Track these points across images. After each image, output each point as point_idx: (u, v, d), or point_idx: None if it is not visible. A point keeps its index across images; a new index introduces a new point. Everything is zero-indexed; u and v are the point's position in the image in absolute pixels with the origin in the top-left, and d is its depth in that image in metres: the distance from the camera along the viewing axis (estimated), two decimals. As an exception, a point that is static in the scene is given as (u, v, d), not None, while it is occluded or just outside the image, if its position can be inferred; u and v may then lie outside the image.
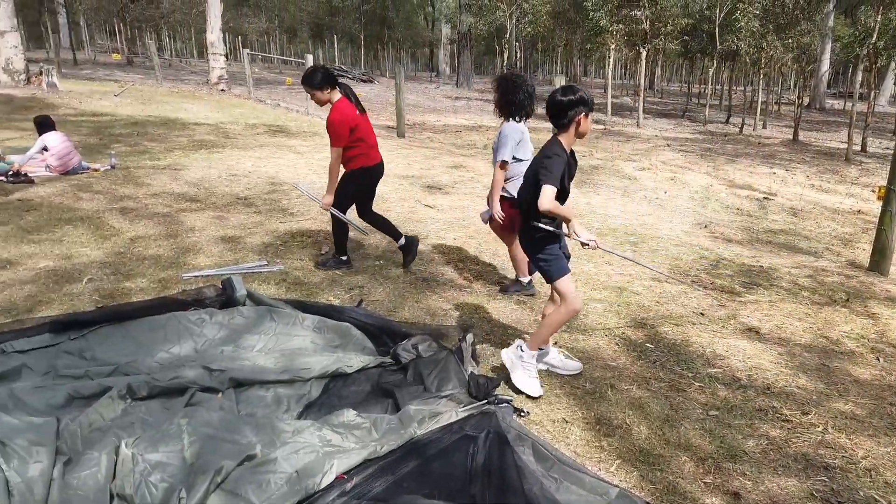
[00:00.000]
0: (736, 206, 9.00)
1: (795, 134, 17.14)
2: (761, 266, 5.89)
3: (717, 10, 20.81)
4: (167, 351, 3.41)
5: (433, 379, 3.16)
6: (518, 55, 36.60)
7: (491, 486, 2.42)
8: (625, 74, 47.78)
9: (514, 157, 4.38)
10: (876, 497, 2.62)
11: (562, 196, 3.18)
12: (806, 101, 25.90)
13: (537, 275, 4.55)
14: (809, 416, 3.22)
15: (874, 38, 14.85)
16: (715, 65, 24.05)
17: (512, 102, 4.35)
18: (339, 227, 4.95)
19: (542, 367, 3.55)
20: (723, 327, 4.33)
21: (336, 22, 43.51)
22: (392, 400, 3.04)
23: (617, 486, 2.53)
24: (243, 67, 20.84)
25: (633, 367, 3.68)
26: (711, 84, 26.09)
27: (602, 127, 18.43)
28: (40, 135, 7.55)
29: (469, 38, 32.44)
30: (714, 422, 3.12)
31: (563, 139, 3.19)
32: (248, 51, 20.69)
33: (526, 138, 4.43)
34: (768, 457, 2.86)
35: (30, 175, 7.28)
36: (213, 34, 19.67)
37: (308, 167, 9.05)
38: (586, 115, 3.15)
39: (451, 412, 2.87)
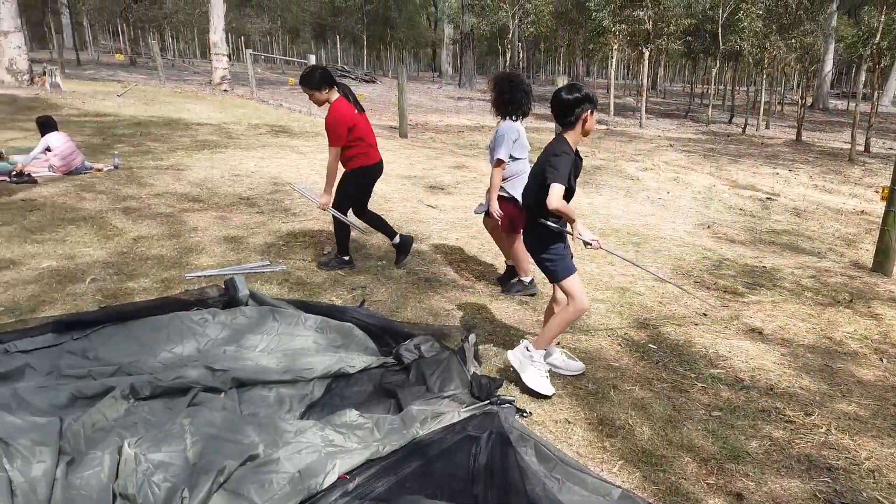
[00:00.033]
0: (739, 206, 8.98)
1: (798, 134, 17.11)
2: (764, 266, 5.87)
3: (720, 10, 20.77)
4: (170, 351, 3.42)
5: (435, 379, 3.16)
6: (520, 55, 36.58)
7: (493, 487, 2.41)
8: (627, 75, 47.73)
9: (511, 157, 4.38)
10: (879, 498, 2.61)
11: (567, 194, 3.18)
12: (809, 101, 25.85)
13: (539, 274, 4.55)
14: (812, 417, 3.21)
15: (878, 39, 14.82)
16: (718, 65, 24.01)
17: (509, 101, 4.36)
18: (341, 228, 4.96)
19: (526, 341, 3.55)
20: (726, 328, 4.33)
21: (339, 22, 43.53)
22: (394, 400, 3.04)
23: (619, 486, 2.53)
24: (246, 68, 20.85)
25: (636, 368, 3.67)
26: (714, 84, 26.04)
27: (605, 127, 18.42)
28: (43, 135, 7.57)
29: (472, 38, 32.43)
30: (717, 422, 3.12)
31: (570, 137, 3.19)
32: (250, 51, 20.71)
33: (522, 137, 4.44)
34: (771, 458, 2.86)
35: (33, 175, 7.29)
36: (216, 34, 19.70)
37: (311, 167, 9.05)
38: (591, 113, 3.17)
39: (453, 412, 2.87)
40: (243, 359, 3.37)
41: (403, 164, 9.83)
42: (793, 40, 18.42)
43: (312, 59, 14.83)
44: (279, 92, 21.68)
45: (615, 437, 2.97)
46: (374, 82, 31.40)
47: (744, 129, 19.61)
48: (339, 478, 2.41)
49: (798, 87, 29.41)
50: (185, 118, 13.30)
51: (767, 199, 9.41)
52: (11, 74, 15.88)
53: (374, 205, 7.10)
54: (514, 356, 3.34)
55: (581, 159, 3.29)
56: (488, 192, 4.58)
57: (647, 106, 21.31)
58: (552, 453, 2.65)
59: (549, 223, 3.22)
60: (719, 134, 18.60)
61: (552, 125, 14.42)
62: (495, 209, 4.48)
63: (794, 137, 17.34)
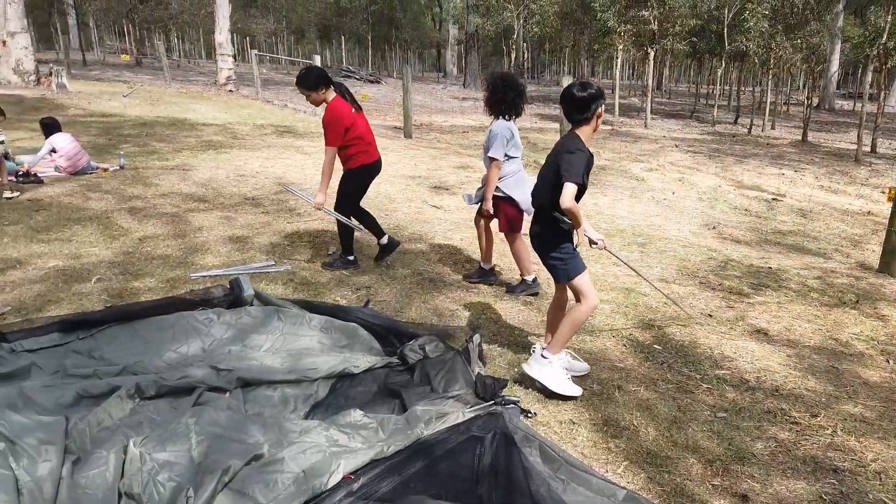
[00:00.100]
0: (744, 206, 8.95)
1: (804, 135, 17.06)
2: (770, 267, 5.86)
3: (726, 11, 20.73)
4: (175, 350, 3.43)
5: (440, 380, 3.16)
6: (525, 56, 36.58)
7: (498, 487, 2.41)
8: (632, 75, 47.66)
9: (506, 156, 4.40)
10: (885, 500, 2.60)
11: (580, 192, 3.17)
12: (815, 101, 25.76)
13: (541, 273, 4.55)
14: (818, 419, 3.20)
15: (884, 39, 14.76)
16: (723, 65, 23.97)
17: (502, 101, 4.37)
18: (345, 228, 4.96)
19: (537, 351, 3.54)
20: (731, 329, 4.31)
21: (343, 23, 43.55)
22: (399, 400, 3.05)
23: (624, 487, 2.52)
24: (251, 68, 20.92)
25: (641, 369, 3.67)
26: (720, 84, 25.99)
27: (610, 127, 18.39)
28: (47, 137, 7.60)
29: (476, 38, 32.43)
30: (722, 424, 3.11)
31: (583, 134, 3.19)
32: (255, 52, 20.76)
33: (516, 137, 4.46)
34: (777, 459, 2.85)
35: (39, 175, 7.32)
36: (222, 35, 19.74)
37: (315, 168, 9.06)
38: (602, 109, 3.19)
39: (457, 413, 2.87)
40: (248, 358, 3.37)
41: (408, 165, 9.84)
42: (799, 40, 18.36)
43: (317, 60, 14.86)
44: (284, 92, 21.71)
45: (620, 438, 2.96)
46: (378, 83, 31.43)
47: (749, 129, 19.55)
48: (343, 478, 2.41)
49: (804, 87, 29.32)
50: (191, 118, 13.34)
51: (773, 199, 9.38)
52: (18, 75, 15.95)
53: (378, 205, 7.13)
54: (532, 367, 3.28)
55: (592, 156, 3.28)
56: (482, 187, 4.59)
57: (652, 106, 21.27)
58: (557, 454, 2.65)
59: (564, 217, 3.20)
60: (725, 134, 18.55)
61: (556, 125, 14.41)
62: (489, 207, 4.50)
63: (799, 138, 17.28)
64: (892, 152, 15.40)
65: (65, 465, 2.37)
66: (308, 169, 8.95)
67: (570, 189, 3.01)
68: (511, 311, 4.43)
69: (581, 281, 3.24)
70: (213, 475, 2.30)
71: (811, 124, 18.25)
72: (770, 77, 20.89)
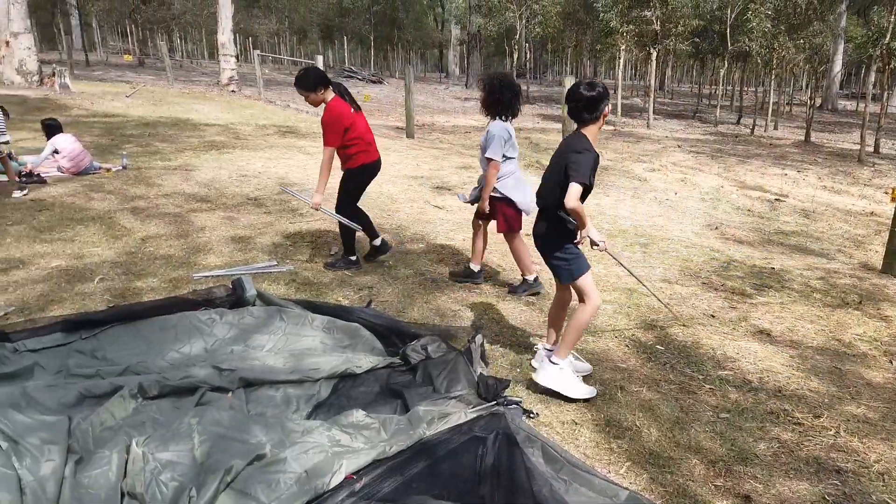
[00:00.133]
0: (747, 207, 8.94)
1: (807, 135, 17.03)
2: (772, 268, 5.85)
3: (729, 11, 20.70)
4: (178, 350, 3.43)
5: (442, 380, 3.16)
6: (528, 56, 36.55)
7: (500, 488, 2.41)
8: (635, 75, 47.61)
9: (503, 156, 4.40)
10: (889, 501, 2.59)
11: (585, 191, 3.16)
12: (818, 101, 25.72)
13: (543, 270, 4.55)
14: (821, 420, 3.19)
15: (887, 39, 14.73)
16: (726, 65, 23.94)
17: (499, 101, 4.38)
18: (347, 228, 4.96)
19: (545, 360, 3.54)
20: (734, 329, 4.31)
21: (346, 23, 43.58)
22: (401, 401, 3.05)
23: (627, 488, 2.52)
24: (254, 68, 20.94)
25: (643, 369, 3.66)
26: (722, 85, 25.96)
27: (612, 128, 18.38)
28: (49, 138, 7.62)
29: (479, 38, 32.43)
30: (725, 424, 3.10)
31: (589, 133, 3.19)
32: (258, 52, 20.78)
33: (513, 138, 4.47)
34: (780, 460, 2.84)
35: (42, 175, 7.34)
36: (224, 35, 19.77)
37: (318, 168, 9.06)
38: (609, 108, 3.21)
39: (460, 413, 2.87)
40: (250, 359, 3.38)
41: (410, 165, 9.84)
42: (802, 41, 18.32)
43: (320, 60, 14.85)
44: (286, 92, 21.72)
45: (622, 439, 2.96)
46: (380, 83, 31.44)
47: (752, 129, 19.53)
48: (345, 478, 2.41)
49: (807, 87, 29.25)
50: (193, 119, 13.36)
51: (776, 200, 9.37)
52: (21, 75, 15.99)
53: (380, 205, 7.13)
54: (543, 376, 3.24)
55: (598, 156, 3.28)
56: (481, 187, 4.59)
57: (654, 107, 21.25)
58: (559, 454, 2.65)
59: (570, 218, 3.20)
60: (727, 135, 18.53)
61: (559, 126, 14.41)
62: (485, 207, 4.51)
63: (802, 138, 17.25)
64: (895, 153, 15.38)
65: (68, 465, 2.38)
66: (310, 169, 8.95)
67: (575, 189, 3.01)
68: (513, 311, 4.43)
69: (585, 281, 3.24)
70: (216, 475, 2.30)
71: (814, 125, 18.22)
72: (773, 77, 20.86)
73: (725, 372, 3.66)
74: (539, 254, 3.43)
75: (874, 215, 8.81)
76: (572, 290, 3.38)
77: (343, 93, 4.78)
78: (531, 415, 3.08)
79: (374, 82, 31.09)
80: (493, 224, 4.72)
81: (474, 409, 2.92)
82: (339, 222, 4.95)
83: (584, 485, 2.49)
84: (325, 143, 4.63)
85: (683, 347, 3.97)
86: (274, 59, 43.17)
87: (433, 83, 37.55)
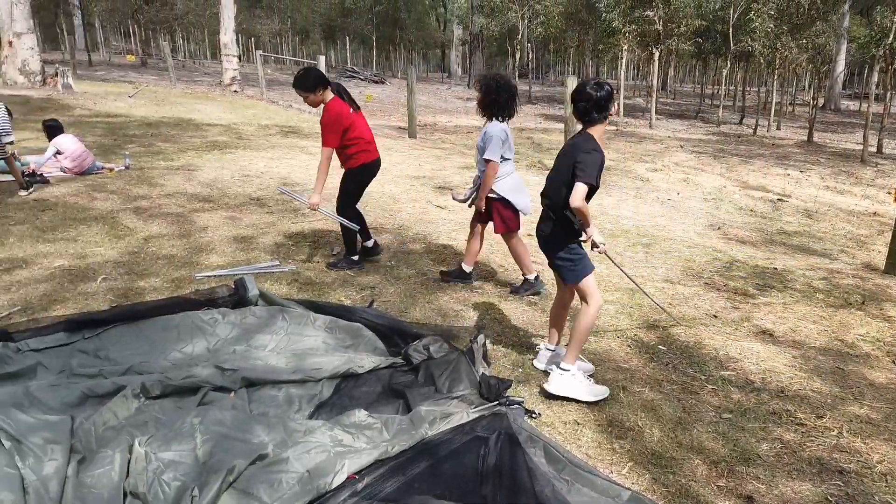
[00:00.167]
0: (749, 207, 8.93)
1: (810, 135, 17.01)
2: (775, 268, 5.84)
3: (731, 11, 20.67)
4: (180, 350, 3.43)
5: (444, 380, 3.16)
6: (530, 56, 36.53)
7: (502, 488, 2.41)
8: (637, 75, 47.57)
9: (501, 157, 4.40)
10: (891, 502, 2.59)
11: (591, 191, 3.16)
12: (821, 102, 25.67)
13: (544, 270, 4.55)
14: (824, 420, 3.19)
15: (890, 39, 14.70)
16: (728, 65, 23.90)
17: (495, 102, 4.38)
18: (349, 228, 4.97)
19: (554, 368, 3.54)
20: (736, 329, 4.30)
21: (348, 23, 43.61)
22: (403, 401, 3.05)
23: (629, 488, 2.52)
24: (256, 69, 20.95)
25: (646, 370, 3.66)
26: (725, 85, 25.93)
27: (614, 128, 18.37)
28: (50, 139, 7.63)
29: (481, 38, 32.44)
30: (727, 425, 3.10)
31: (596, 133, 3.19)
32: (260, 52, 20.79)
33: (510, 139, 4.46)
34: (782, 460, 2.84)
35: (45, 175, 7.35)
36: (227, 35, 19.79)
37: (320, 168, 9.07)
38: (615, 108, 3.22)
39: (462, 413, 2.87)
40: (253, 358, 3.38)
41: (412, 165, 9.84)
42: (804, 41, 18.30)
43: (322, 60, 14.86)
44: (289, 93, 21.72)
45: (625, 439, 2.96)
46: (383, 83, 31.45)
47: (754, 129, 19.50)
48: (347, 478, 2.41)
49: (810, 87, 29.23)
50: (196, 119, 13.37)
51: (778, 200, 9.35)
52: (24, 75, 16.02)
53: (382, 205, 7.14)
54: (556, 385, 3.21)
55: (604, 156, 3.28)
56: (476, 187, 4.58)
57: (656, 107, 21.23)
58: (561, 454, 2.65)
59: (570, 215, 3.19)
60: (730, 135, 18.51)
61: (561, 126, 14.40)
62: (481, 206, 4.53)
63: (805, 138, 17.23)
64: (899, 153, 15.35)
65: (70, 465, 2.38)
66: (312, 169, 8.95)
67: (581, 189, 3.01)
68: (515, 311, 4.43)
69: (588, 282, 3.24)
70: (218, 475, 2.31)
71: (817, 125, 18.19)
72: (775, 77, 20.84)
73: (728, 372, 3.66)
74: (542, 253, 3.43)
75: (877, 216, 8.79)
76: (574, 290, 3.38)
77: (341, 93, 4.78)
78: (533, 415, 3.08)
79: (376, 82, 31.11)
80: (491, 225, 4.72)
81: (476, 409, 2.92)
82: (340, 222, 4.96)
83: (587, 485, 2.49)
84: (324, 144, 4.62)
85: (686, 348, 3.97)
86: (276, 59, 43.22)
87: (435, 83, 37.55)
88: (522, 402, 3.10)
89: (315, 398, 3.09)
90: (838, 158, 14.07)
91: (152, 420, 2.74)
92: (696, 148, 14.58)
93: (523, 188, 4.58)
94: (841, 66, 28.19)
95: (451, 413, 2.85)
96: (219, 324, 3.66)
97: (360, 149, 4.77)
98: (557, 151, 3.42)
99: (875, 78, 17.38)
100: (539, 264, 4.85)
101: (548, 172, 3.41)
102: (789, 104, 27.70)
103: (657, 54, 20.14)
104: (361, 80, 30.88)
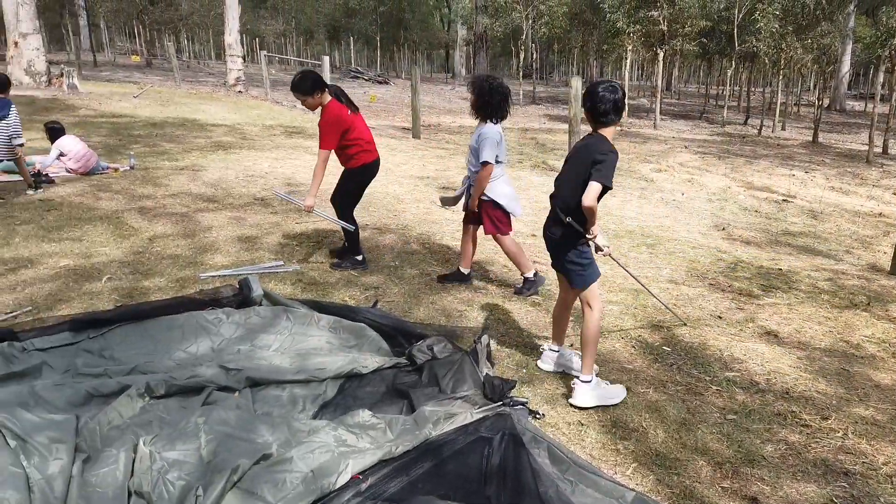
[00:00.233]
0: (754, 208, 8.91)
1: (815, 135, 16.96)
2: (780, 269, 5.82)
3: (736, 11, 20.62)
4: (185, 350, 3.44)
5: (448, 380, 3.16)
6: (534, 56, 36.51)
7: (506, 488, 2.41)
8: (642, 76, 47.48)
9: (495, 159, 4.40)
10: (897, 504, 2.58)
11: (603, 192, 3.15)
12: (826, 102, 25.58)
13: (546, 270, 4.54)
14: (829, 421, 3.18)
15: (896, 39, 14.65)
16: (733, 66, 23.84)
17: (488, 104, 4.36)
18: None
19: (559, 369, 3.54)
20: (741, 330, 4.29)
21: (352, 24, 43.63)
22: (407, 401, 3.05)
23: (633, 489, 2.52)
24: (260, 69, 20.99)
25: (650, 370, 3.65)
26: (729, 85, 25.86)
27: (619, 128, 18.33)
28: (52, 141, 7.65)
29: (485, 39, 32.45)
30: (732, 426, 3.09)
31: (609, 135, 3.18)
32: (265, 52, 20.84)
33: (503, 141, 4.46)
34: (787, 462, 2.83)
35: (50, 175, 7.38)
36: (231, 36, 19.84)
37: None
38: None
39: (466, 413, 2.86)
40: (257, 358, 3.39)
41: (416, 165, 9.84)
42: (810, 41, 18.25)
43: (326, 61, 14.88)
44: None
45: (629, 440, 2.95)
46: (387, 83, 31.48)
47: (759, 130, 19.46)
48: (351, 478, 2.42)
49: (815, 88, 29.12)
50: (200, 119, 13.41)
51: (783, 200, 9.33)
52: (30, 76, 16.08)
53: (386, 205, 7.14)
54: (581, 399, 3.17)
55: None
56: (469, 188, 4.57)
57: (661, 107, 21.20)
58: (565, 455, 2.64)
59: (574, 224, 3.18)
60: (734, 135, 18.47)
61: (566, 126, 14.38)
62: (474, 206, 4.52)
63: (810, 139, 17.18)
64: (904, 153, 15.29)
65: (75, 464, 2.39)
66: (317, 169, 8.97)
67: (594, 189, 3.01)
68: (519, 311, 4.43)
69: (593, 287, 3.24)
70: (222, 474, 2.31)
71: (822, 125, 18.14)
72: (780, 78, 20.78)
73: (732, 373, 3.65)
74: (549, 254, 3.42)
75: (882, 216, 8.76)
76: (576, 293, 3.37)
77: (339, 95, 4.79)
78: (537, 415, 3.07)
79: (380, 83, 31.14)
80: (471, 218, 4.71)
81: (480, 409, 2.92)
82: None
83: (591, 486, 2.49)
84: (322, 146, 4.63)
85: (690, 348, 3.96)
86: (281, 59, 43.28)
87: (439, 84, 37.54)
88: (526, 402, 3.10)
89: (319, 398, 3.09)
90: (843, 159, 14.03)
91: (157, 420, 2.75)
92: (701, 148, 14.55)
93: (513, 192, 4.59)
94: (846, 67, 28.09)
95: (455, 413, 2.85)
96: (223, 324, 3.66)
97: (360, 149, 4.77)
98: (562, 152, 3.41)
99: (880, 78, 17.29)
100: (542, 264, 4.84)
101: (552, 173, 3.40)
102: (794, 105, 27.63)
103: (662, 55, 20.11)
104: (365, 80, 30.92)
